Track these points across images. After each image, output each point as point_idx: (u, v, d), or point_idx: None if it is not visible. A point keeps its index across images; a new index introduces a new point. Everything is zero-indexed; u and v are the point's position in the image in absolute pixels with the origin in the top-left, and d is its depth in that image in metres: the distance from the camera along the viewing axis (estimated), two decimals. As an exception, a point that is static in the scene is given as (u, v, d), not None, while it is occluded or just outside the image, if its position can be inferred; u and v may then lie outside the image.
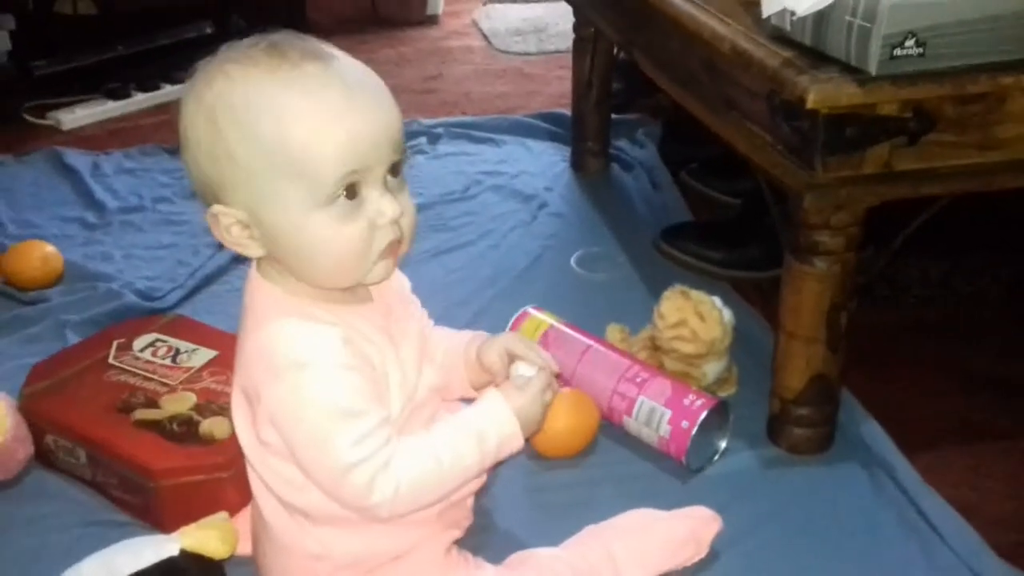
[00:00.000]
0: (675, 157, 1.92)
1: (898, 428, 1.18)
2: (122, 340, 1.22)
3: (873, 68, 0.92)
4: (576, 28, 1.85)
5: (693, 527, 1.01)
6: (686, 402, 1.13)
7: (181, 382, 1.15)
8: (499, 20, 3.02)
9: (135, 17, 2.61)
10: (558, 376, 0.96)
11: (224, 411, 1.07)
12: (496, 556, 0.98)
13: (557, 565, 0.95)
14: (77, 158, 2.03)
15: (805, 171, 0.99)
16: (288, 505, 0.88)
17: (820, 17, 0.97)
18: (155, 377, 1.16)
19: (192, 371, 1.17)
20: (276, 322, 0.82)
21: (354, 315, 0.86)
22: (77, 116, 2.27)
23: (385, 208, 0.81)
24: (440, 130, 2.14)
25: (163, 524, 1.02)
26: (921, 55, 0.93)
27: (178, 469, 1.04)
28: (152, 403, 1.11)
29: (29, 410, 1.14)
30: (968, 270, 1.57)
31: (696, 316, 1.20)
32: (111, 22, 2.55)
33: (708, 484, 1.12)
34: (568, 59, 1.91)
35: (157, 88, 2.32)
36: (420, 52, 2.79)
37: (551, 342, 1.24)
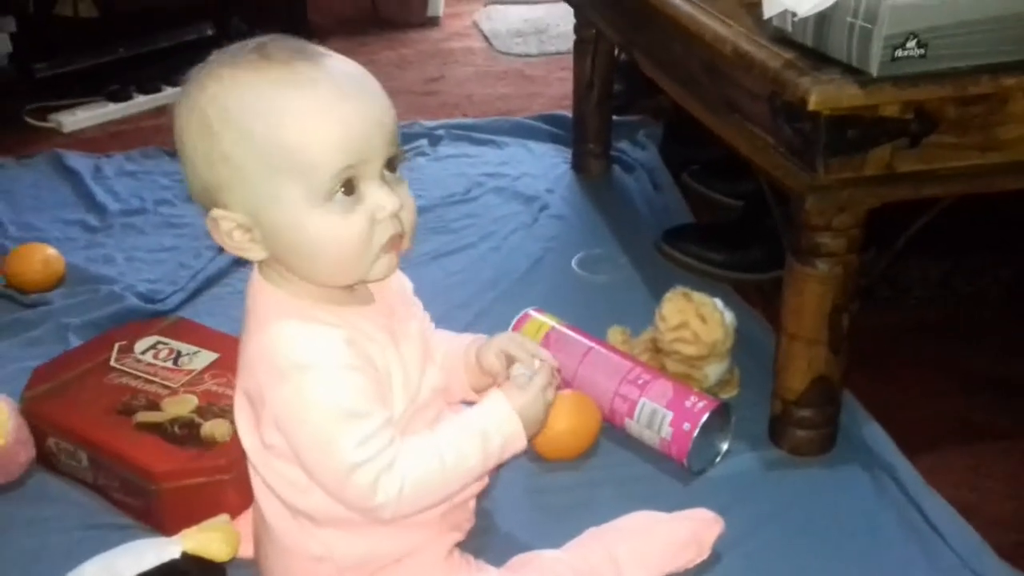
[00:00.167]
0: (676, 159, 1.92)
1: (899, 429, 1.18)
2: (123, 343, 1.22)
3: (875, 69, 0.92)
4: (577, 29, 1.85)
5: (695, 529, 1.01)
6: (688, 404, 1.13)
7: (182, 384, 1.15)
8: (500, 21, 3.02)
9: (136, 19, 2.61)
10: (558, 371, 0.96)
11: (225, 413, 1.07)
12: (498, 558, 0.98)
13: (559, 567, 0.95)
14: (78, 160, 2.03)
15: (807, 173, 0.99)
16: (291, 507, 0.88)
17: (821, 18, 0.97)
18: (156, 380, 1.16)
19: (193, 373, 1.17)
20: (278, 324, 0.82)
21: (356, 316, 0.86)
22: (78, 118, 2.27)
23: (384, 202, 0.81)
24: (441, 132, 2.14)
25: (164, 527, 1.02)
26: (922, 56, 0.93)
27: (179, 472, 1.04)
28: (153, 406, 1.11)
29: (31, 413, 1.14)
30: (968, 270, 1.57)
31: (698, 318, 1.19)
32: (112, 24, 2.55)
33: (710, 486, 1.12)
34: (569, 60, 1.91)
35: (158, 90, 2.33)
36: (421, 54, 2.79)
37: (552, 344, 1.24)
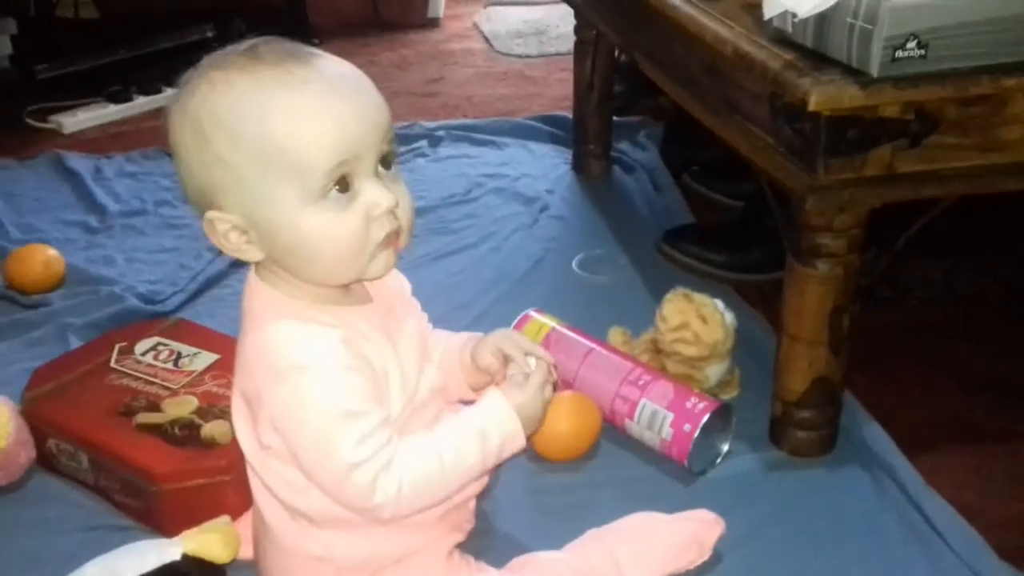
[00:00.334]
0: (677, 159, 1.92)
1: (900, 430, 1.18)
2: (124, 344, 1.22)
3: (875, 70, 0.92)
4: (577, 30, 1.85)
5: (696, 530, 1.01)
6: (688, 405, 1.13)
7: (183, 386, 1.15)
8: (500, 22, 3.02)
9: (136, 21, 2.62)
10: (554, 367, 0.96)
11: (226, 415, 1.07)
12: (498, 559, 0.97)
13: (559, 568, 0.95)
14: (79, 162, 2.03)
15: (807, 173, 0.99)
16: (290, 508, 0.88)
17: (822, 19, 0.97)
18: (157, 381, 1.16)
19: (194, 375, 1.17)
20: (275, 324, 0.82)
21: (353, 315, 0.86)
22: (79, 120, 2.27)
23: (379, 198, 0.80)
24: (441, 133, 2.14)
25: (165, 528, 1.02)
26: (923, 57, 0.92)
27: (180, 473, 1.04)
28: (154, 407, 1.11)
29: (31, 414, 1.14)
30: (969, 271, 1.57)
31: (698, 319, 1.19)
32: (112, 26, 2.56)
33: (710, 487, 1.12)
34: (569, 61, 1.92)
35: (158, 91, 2.33)
36: (421, 55, 2.79)
37: (553, 345, 1.24)
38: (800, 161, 1.00)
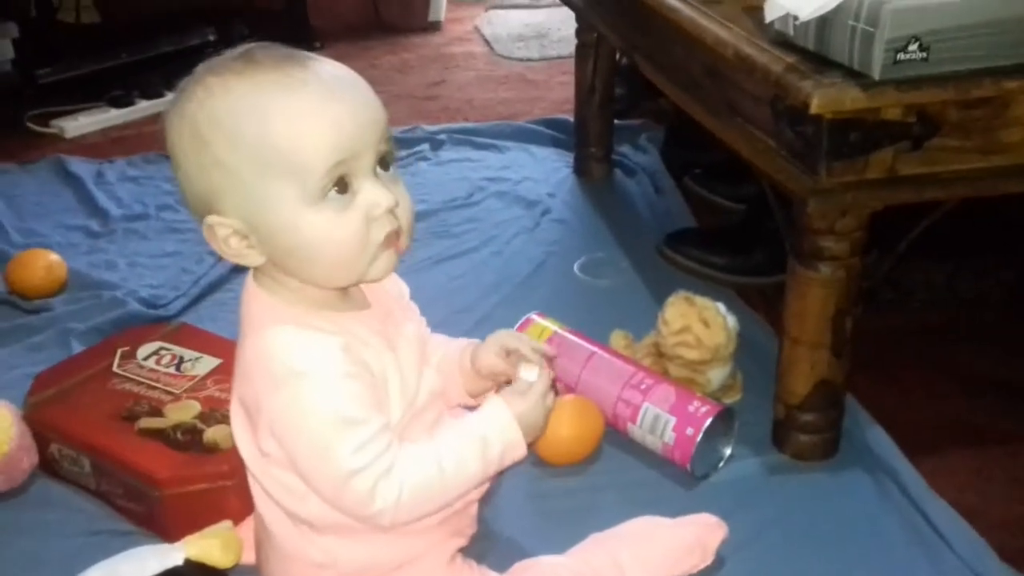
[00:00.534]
0: (678, 162, 1.92)
1: (902, 432, 1.18)
2: (126, 348, 1.22)
3: (877, 73, 0.92)
4: (578, 33, 1.85)
5: (698, 534, 1.01)
6: (691, 409, 1.13)
7: (185, 390, 1.15)
8: (501, 26, 3.02)
9: (138, 25, 2.62)
10: (556, 384, 0.96)
11: (228, 419, 1.07)
12: (500, 564, 0.97)
13: (562, 572, 0.95)
14: (80, 166, 2.03)
15: (809, 176, 0.99)
16: (291, 514, 0.88)
17: (823, 22, 0.97)
18: (159, 385, 1.16)
19: (196, 379, 1.16)
20: (273, 331, 0.82)
21: (352, 321, 0.86)
22: (80, 124, 2.27)
23: (379, 198, 0.80)
24: (443, 136, 2.14)
25: (167, 533, 1.02)
26: (924, 59, 0.92)
27: (182, 478, 1.04)
28: (156, 412, 1.11)
29: (34, 419, 1.14)
30: (971, 273, 1.57)
31: (700, 322, 1.19)
32: (114, 30, 2.56)
33: (713, 491, 1.12)
34: (570, 64, 1.92)
35: (160, 95, 2.33)
36: (423, 58, 2.80)
37: (555, 348, 1.24)
38: (802, 164, 0.99)
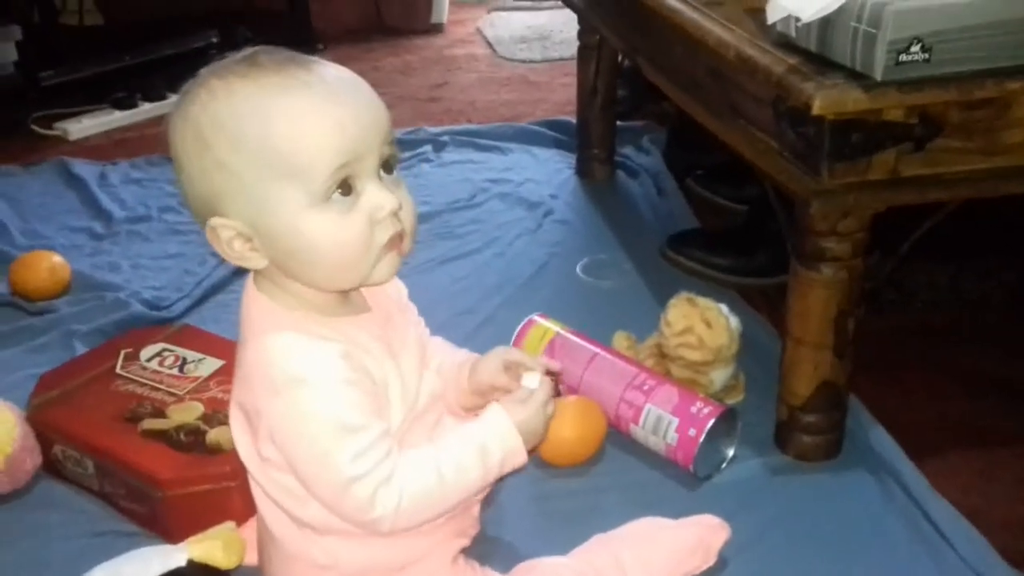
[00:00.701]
0: (680, 164, 1.92)
1: (905, 433, 1.18)
2: (129, 350, 1.23)
3: (879, 74, 0.92)
4: (580, 35, 1.85)
5: (701, 535, 1.01)
6: (693, 410, 1.13)
7: (188, 392, 1.15)
8: (503, 28, 3.02)
9: (141, 27, 2.63)
10: (559, 385, 0.96)
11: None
12: (503, 564, 0.97)
13: (564, 573, 0.95)
14: (84, 168, 2.04)
15: (811, 177, 0.99)
16: (293, 517, 0.88)
17: (825, 23, 0.97)
18: (162, 387, 1.16)
19: (199, 380, 1.17)
20: (273, 336, 0.82)
21: (352, 327, 0.86)
22: (84, 126, 2.28)
23: (383, 200, 0.80)
24: (446, 138, 2.14)
25: (170, 534, 1.02)
26: (927, 61, 0.92)
27: (185, 479, 1.04)
28: (159, 413, 1.12)
29: (37, 420, 1.14)
30: (973, 274, 1.57)
31: (703, 323, 1.19)
32: (117, 32, 2.56)
33: (716, 492, 1.12)
34: (573, 66, 1.92)
35: (163, 98, 2.34)
36: (425, 61, 2.80)
37: (557, 350, 1.24)
38: (804, 165, 0.99)
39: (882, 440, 1.17)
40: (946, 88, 0.94)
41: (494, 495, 1.02)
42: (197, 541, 0.94)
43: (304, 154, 0.78)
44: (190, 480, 1.04)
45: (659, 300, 1.31)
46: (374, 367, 0.85)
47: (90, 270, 1.63)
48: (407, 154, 2.04)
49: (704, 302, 1.22)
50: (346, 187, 0.80)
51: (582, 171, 1.94)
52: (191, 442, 1.07)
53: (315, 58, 0.83)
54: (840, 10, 0.94)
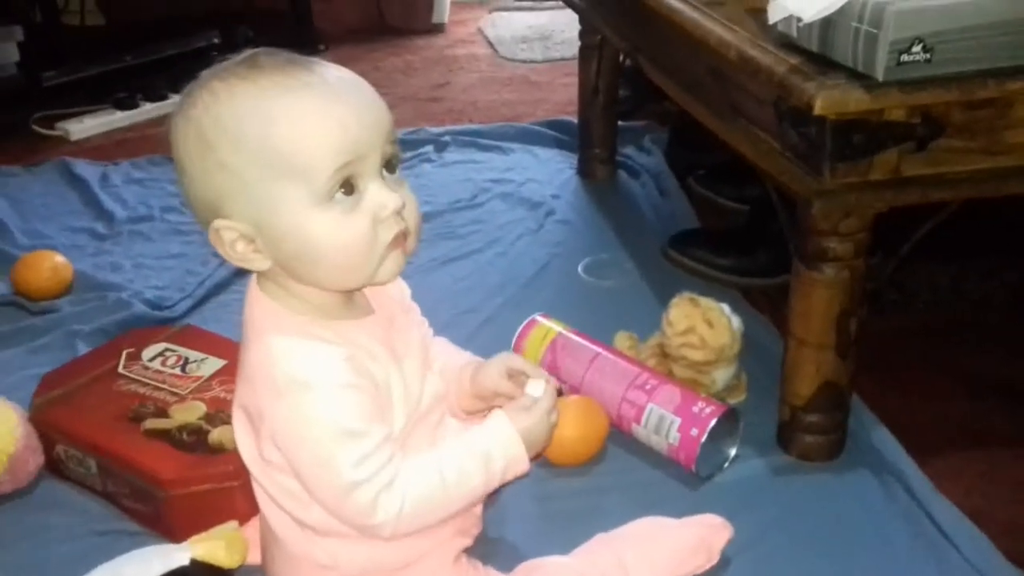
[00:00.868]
0: (682, 163, 1.92)
1: (908, 434, 1.18)
2: (131, 350, 1.23)
3: (880, 74, 0.92)
4: (582, 35, 1.85)
5: (704, 535, 1.01)
6: (695, 409, 1.13)
7: (191, 391, 1.15)
8: (505, 28, 3.02)
9: (142, 27, 2.63)
10: (560, 392, 0.96)
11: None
12: (505, 564, 0.97)
13: (566, 573, 0.95)
14: (86, 168, 2.04)
15: (813, 177, 0.99)
16: (296, 518, 0.88)
17: (827, 23, 0.97)
18: (165, 387, 1.16)
19: (201, 380, 1.17)
20: (276, 339, 0.82)
21: (355, 330, 0.85)
22: (85, 126, 2.28)
23: (386, 199, 0.80)
24: (447, 138, 2.15)
25: (173, 533, 1.03)
26: (928, 61, 0.92)
27: (188, 478, 1.04)
28: (162, 412, 1.12)
29: (39, 420, 1.14)
30: (976, 274, 1.57)
31: (705, 323, 1.19)
32: (118, 33, 2.57)
33: (718, 491, 1.12)
34: (574, 66, 1.92)
35: (164, 98, 2.34)
36: (427, 61, 2.80)
37: (559, 350, 1.24)
38: (806, 165, 1.00)
39: (884, 440, 1.17)
40: (948, 88, 0.94)
41: (496, 495, 1.02)
42: (200, 540, 0.94)
43: (306, 153, 0.78)
44: (193, 480, 1.04)
45: (661, 300, 1.31)
46: (377, 370, 0.84)
47: (92, 270, 1.63)
48: (409, 154, 2.04)
49: (706, 302, 1.22)
50: (349, 186, 0.80)
51: (584, 171, 1.94)
52: (193, 442, 1.07)
53: (316, 59, 0.83)
54: (841, 10, 0.94)
